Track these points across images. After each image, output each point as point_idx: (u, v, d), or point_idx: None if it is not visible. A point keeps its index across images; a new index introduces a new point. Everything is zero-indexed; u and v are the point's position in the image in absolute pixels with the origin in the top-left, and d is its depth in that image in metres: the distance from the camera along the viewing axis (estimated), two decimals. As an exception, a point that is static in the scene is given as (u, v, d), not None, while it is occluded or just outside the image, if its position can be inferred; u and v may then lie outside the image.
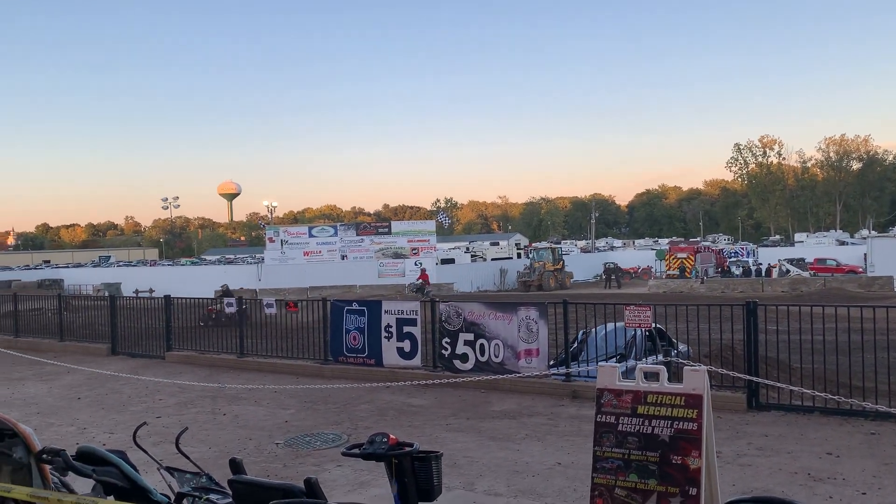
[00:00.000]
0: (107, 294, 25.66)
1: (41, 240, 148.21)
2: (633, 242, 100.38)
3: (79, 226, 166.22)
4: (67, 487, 4.58)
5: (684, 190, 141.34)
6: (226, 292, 23.49)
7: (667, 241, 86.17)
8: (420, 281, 41.29)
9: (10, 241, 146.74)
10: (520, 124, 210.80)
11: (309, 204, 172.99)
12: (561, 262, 48.90)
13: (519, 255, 64.16)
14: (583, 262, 62.89)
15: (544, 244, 62.60)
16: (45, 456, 3.89)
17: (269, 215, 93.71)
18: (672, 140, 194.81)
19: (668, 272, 50.69)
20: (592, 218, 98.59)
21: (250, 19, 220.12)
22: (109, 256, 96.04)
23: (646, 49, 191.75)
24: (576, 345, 11.00)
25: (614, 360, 9.99)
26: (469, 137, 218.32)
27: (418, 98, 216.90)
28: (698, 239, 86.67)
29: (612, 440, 4.60)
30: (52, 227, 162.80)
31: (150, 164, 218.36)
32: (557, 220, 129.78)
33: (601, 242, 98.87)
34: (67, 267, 74.26)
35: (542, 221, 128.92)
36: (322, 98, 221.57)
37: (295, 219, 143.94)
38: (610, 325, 10.57)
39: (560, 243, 74.17)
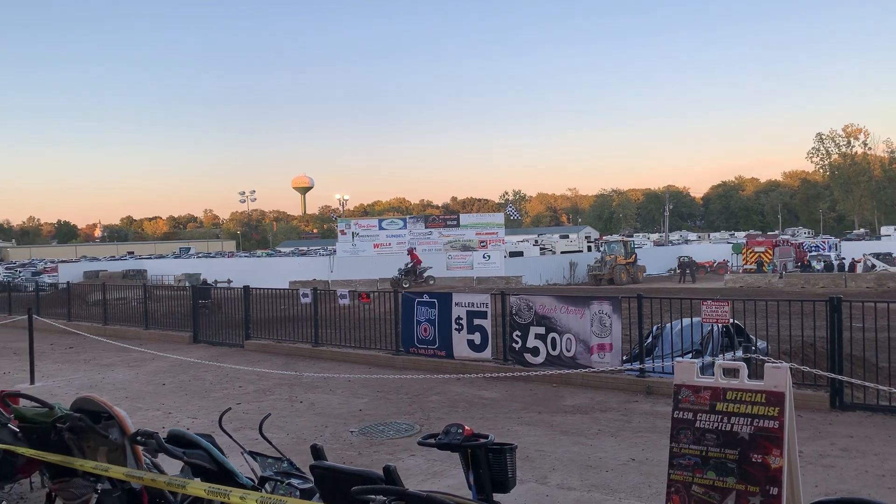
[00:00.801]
0: (188, 284, 26.64)
1: (126, 232, 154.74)
2: (709, 236, 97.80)
3: (161, 218, 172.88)
4: (158, 468, 4.82)
5: (762, 182, 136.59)
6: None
7: (744, 234, 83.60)
8: (411, 263, 37.60)
9: (97, 233, 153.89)
10: (590, 115, 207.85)
11: (378, 197, 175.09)
12: (633, 256, 48.08)
13: (589, 249, 63.44)
14: (656, 255, 61.69)
15: (616, 237, 61.72)
16: (138, 438, 4.10)
17: (341, 208, 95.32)
18: (750, 131, 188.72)
19: (745, 266, 49.10)
20: (666, 210, 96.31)
21: (320, 15, 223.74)
22: (190, 248, 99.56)
23: (724, 36, 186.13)
24: (650, 340, 10.84)
25: (689, 356, 9.79)
26: (538, 129, 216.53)
27: (486, 89, 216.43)
28: (777, 232, 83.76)
29: (689, 437, 4.53)
30: (135, 220, 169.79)
31: (228, 158, 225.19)
32: (629, 212, 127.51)
33: (675, 236, 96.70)
34: (150, 258, 77.45)
35: (614, 214, 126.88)
36: (392, 92, 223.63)
37: (365, 212, 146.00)
38: (685, 321, 10.36)
39: (632, 236, 72.94)
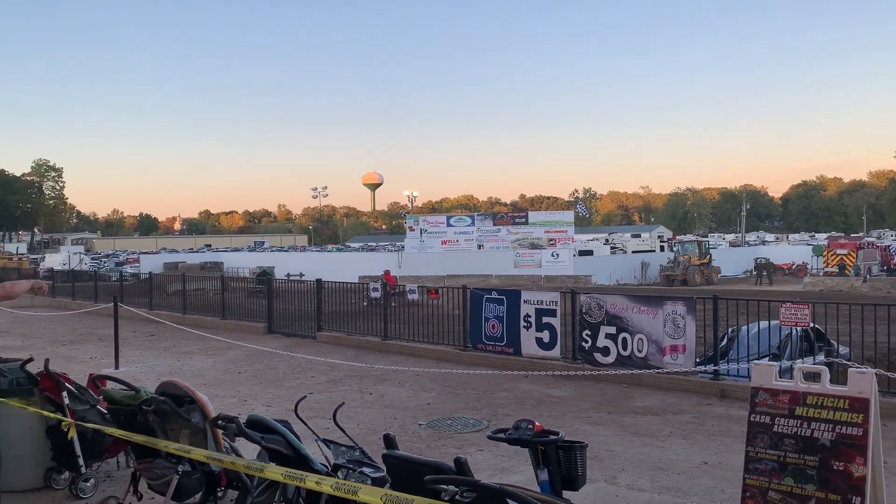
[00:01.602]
0: (266, 276, 27.33)
1: (203, 225, 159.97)
2: (787, 237, 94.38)
3: (236, 213, 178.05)
4: (236, 452, 4.99)
5: (846, 181, 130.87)
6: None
7: (825, 235, 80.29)
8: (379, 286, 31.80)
9: (177, 226, 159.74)
10: (664, 112, 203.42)
11: (446, 194, 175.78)
12: (708, 257, 46.87)
13: (662, 248, 62.05)
14: (731, 256, 59.89)
15: (690, 237, 60.23)
16: (219, 422, 4.26)
17: (410, 205, 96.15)
18: (834, 128, 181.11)
19: (826, 269, 47.22)
20: (743, 210, 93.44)
21: (391, 11, 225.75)
22: (264, 242, 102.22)
23: (805, 31, 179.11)
24: (724, 342, 10.56)
25: (766, 359, 9.50)
26: (610, 126, 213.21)
27: (558, 85, 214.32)
28: (861, 234, 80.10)
29: (766, 441, 4.42)
30: (213, 214, 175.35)
31: (301, 155, 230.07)
32: (704, 212, 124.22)
33: (752, 236, 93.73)
34: (226, 251, 79.81)
35: (688, 213, 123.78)
36: (462, 88, 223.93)
37: (433, 208, 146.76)
38: (762, 323, 10.06)
39: (707, 236, 71.03)
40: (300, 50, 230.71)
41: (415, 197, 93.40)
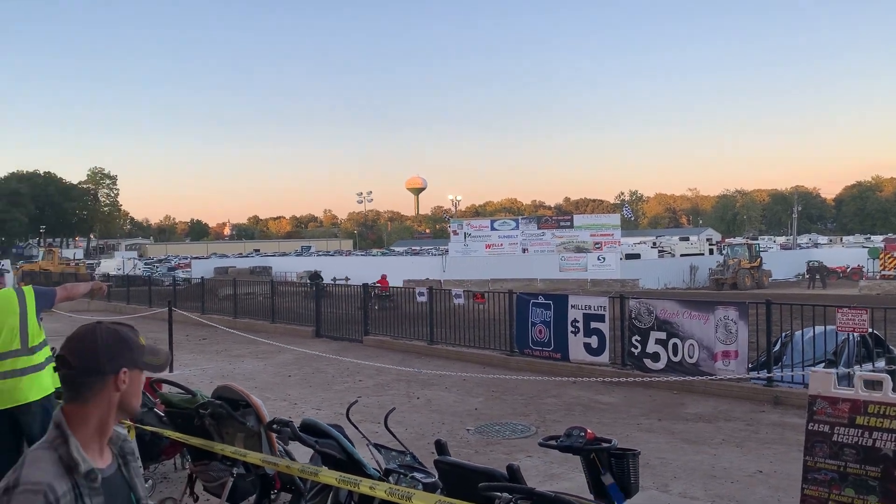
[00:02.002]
0: (318, 281, 27.67)
1: (252, 230, 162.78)
2: (841, 239, 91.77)
3: (284, 218, 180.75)
4: (289, 455, 5.07)
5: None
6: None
7: (881, 237, 77.77)
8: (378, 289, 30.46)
9: (227, 231, 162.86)
10: (711, 112, 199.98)
11: (490, 197, 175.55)
12: (758, 260, 45.77)
13: (711, 252, 60.92)
14: (782, 259, 58.44)
15: (739, 240, 58.98)
16: (274, 426, 4.34)
17: (454, 208, 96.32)
18: (889, 127, 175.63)
19: (883, 272, 45.75)
20: (794, 212, 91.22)
21: (434, 17, 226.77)
22: (310, 246, 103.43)
23: (858, 26, 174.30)
24: (777, 348, 10.32)
25: (822, 365, 9.25)
26: (656, 127, 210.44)
27: (603, 85, 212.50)
28: (921, 236, 77.35)
29: (825, 451, 4.32)
30: (261, 219, 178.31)
31: (346, 160, 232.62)
32: (754, 214, 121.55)
33: (803, 239, 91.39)
34: (274, 255, 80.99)
35: (737, 216, 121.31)
36: (504, 91, 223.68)
37: (476, 212, 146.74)
38: (817, 329, 9.80)
39: (757, 239, 69.49)
40: (345, 56, 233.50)
41: (458, 201, 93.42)
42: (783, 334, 10.44)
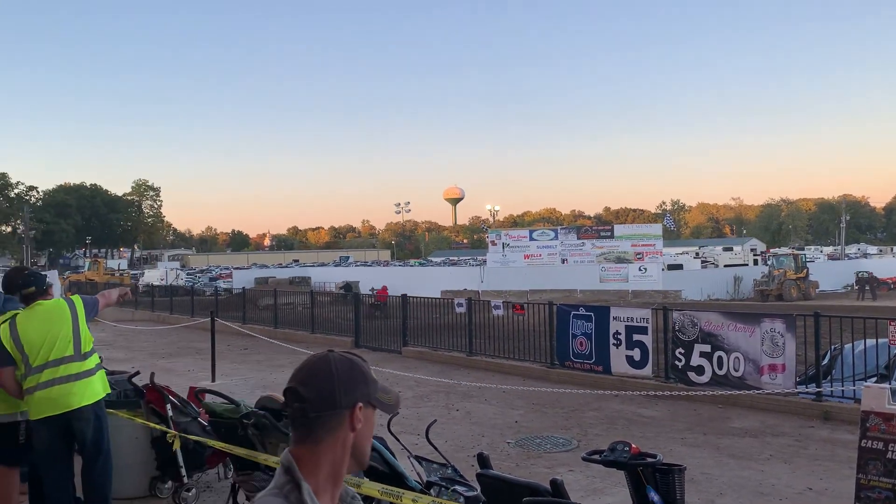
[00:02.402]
0: (354, 291, 27.86)
1: (291, 241, 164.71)
2: (892, 249, 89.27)
3: (323, 228, 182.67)
4: (331, 467, 5.07)
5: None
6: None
7: (934, 248, 75.47)
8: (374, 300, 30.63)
9: (267, 242, 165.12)
10: (755, 119, 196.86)
11: (528, 207, 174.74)
12: (804, 271, 44.73)
13: (755, 262, 59.74)
14: (830, 270, 57.00)
15: (785, 250, 57.75)
16: (316, 437, 4.33)
17: (492, 219, 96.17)
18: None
19: (937, 284, 44.38)
20: (842, 221, 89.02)
21: (472, 24, 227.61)
22: (349, 257, 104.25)
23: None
24: (826, 361, 10.04)
25: (873, 380, 8.97)
26: (698, 135, 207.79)
27: (643, 93, 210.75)
28: (976, 246, 74.87)
29: (879, 468, 4.18)
30: (300, 230, 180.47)
31: (384, 171, 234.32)
32: (800, 223, 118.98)
33: (852, 249, 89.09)
34: (313, 266, 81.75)
35: (782, 225, 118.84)
36: (542, 100, 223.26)
37: (514, 222, 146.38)
38: (868, 342, 9.51)
39: (803, 249, 67.98)
40: (382, 66, 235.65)
41: (496, 211, 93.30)
42: (832, 347, 10.15)
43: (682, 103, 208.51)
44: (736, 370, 9.83)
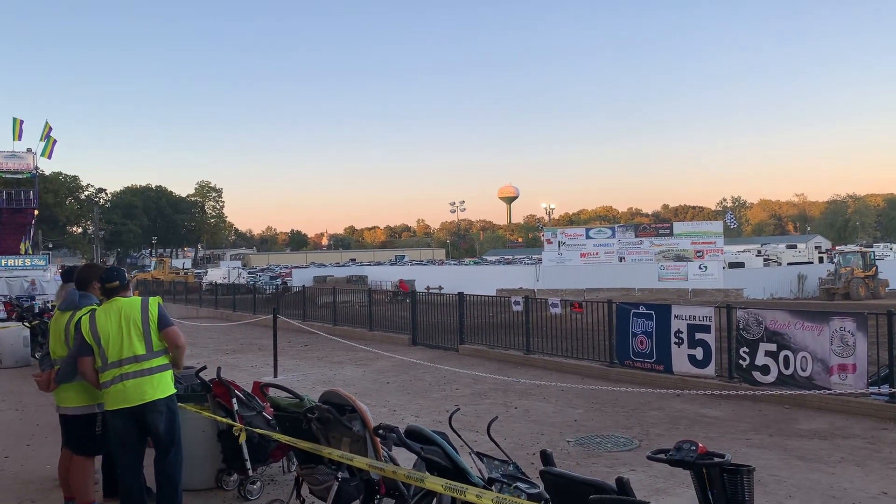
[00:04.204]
0: (412, 290, 28.02)
1: (348, 240, 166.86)
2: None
3: (378, 228, 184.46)
4: (393, 461, 5.12)
5: None
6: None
7: None
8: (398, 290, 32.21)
9: (324, 241, 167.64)
10: (817, 112, 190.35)
11: (584, 205, 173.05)
12: (873, 269, 43.04)
13: (820, 260, 57.86)
14: (900, 268, 54.79)
15: (852, 247, 55.72)
16: (380, 431, 4.38)
17: (547, 217, 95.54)
18: None
19: None
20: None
21: (525, 21, 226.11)
22: (404, 256, 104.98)
23: None
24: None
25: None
26: (760, 129, 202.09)
27: (701, 88, 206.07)
28: None
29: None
30: (357, 230, 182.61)
31: (439, 170, 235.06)
32: (868, 220, 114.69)
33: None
34: (369, 265, 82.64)
35: (849, 222, 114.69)
36: (597, 98, 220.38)
37: (570, 220, 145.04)
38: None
39: (871, 246, 65.45)
40: (437, 64, 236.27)
41: (552, 209, 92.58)
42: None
43: (742, 98, 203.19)
44: (803, 370, 9.54)
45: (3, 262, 37.27)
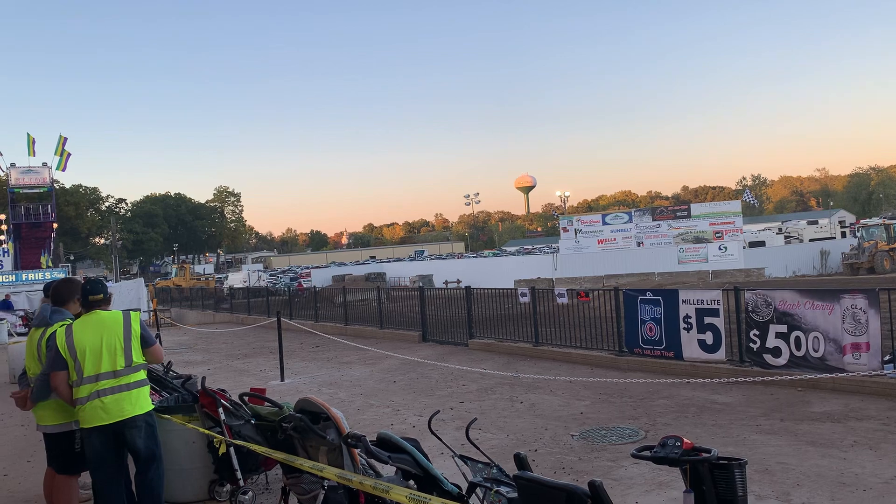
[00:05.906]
0: (420, 285, 27.96)
1: (367, 238, 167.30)
2: None
3: (397, 224, 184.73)
4: (374, 469, 4.95)
5: None
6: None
7: None
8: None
9: (344, 240, 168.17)
10: (840, 85, 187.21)
11: (602, 191, 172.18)
12: (898, 241, 42.22)
13: (843, 235, 56.95)
14: (927, 239, 53.68)
15: (876, 220, 54.68)
16: (349, 440, 4.23)
17: (563, 205, 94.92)
18: None
19: None
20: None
21: (539, 13, 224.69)
22: (423, 251, 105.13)
23: None
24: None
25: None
26: (779, 106, 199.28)
27: (717, 65, 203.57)
28: None
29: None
30: (376, 227, 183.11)
31: (455, 163, 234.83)
32: (892, 191, 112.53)
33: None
34: (389, 261, 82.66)
35: (873, 195, 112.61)
36: (611, 81, 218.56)
37: (589, 207, 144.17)
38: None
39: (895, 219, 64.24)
40: (448, 58, 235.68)
41: (567, 197, 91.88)
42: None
43: (758, 74, 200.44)
44: (815, 350, 9.24)
45: (24, 276, 37.64)
